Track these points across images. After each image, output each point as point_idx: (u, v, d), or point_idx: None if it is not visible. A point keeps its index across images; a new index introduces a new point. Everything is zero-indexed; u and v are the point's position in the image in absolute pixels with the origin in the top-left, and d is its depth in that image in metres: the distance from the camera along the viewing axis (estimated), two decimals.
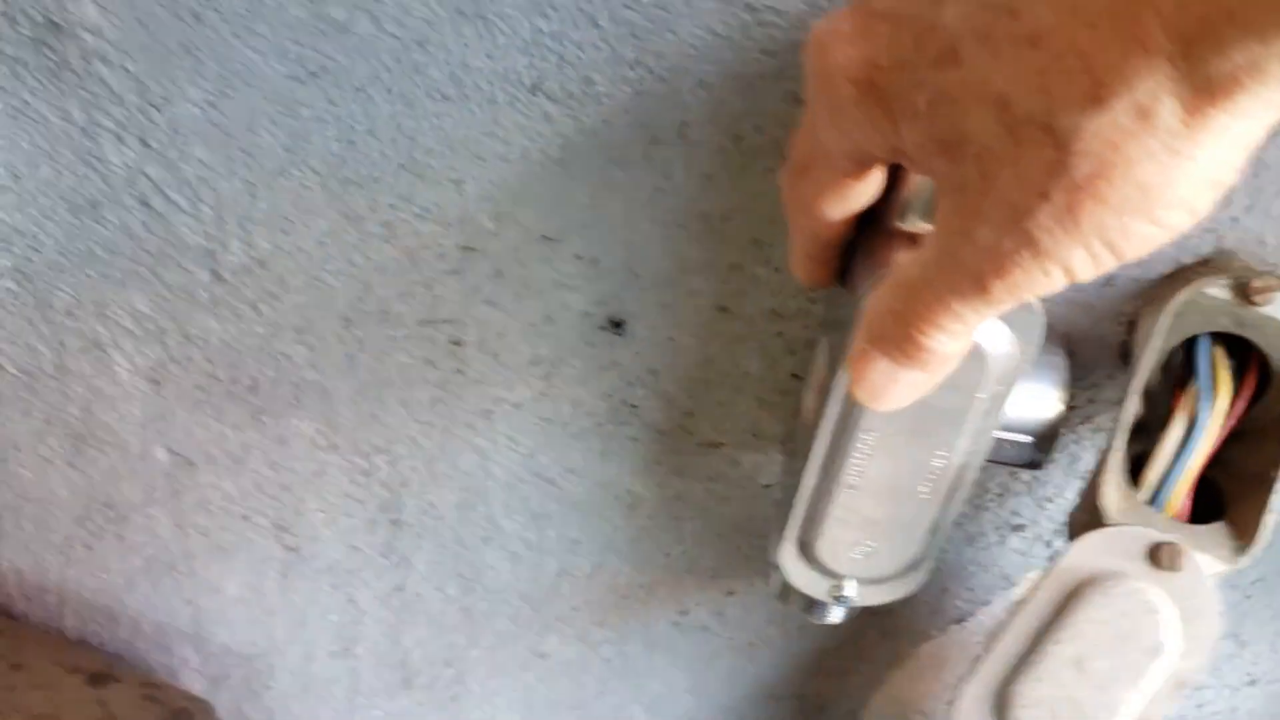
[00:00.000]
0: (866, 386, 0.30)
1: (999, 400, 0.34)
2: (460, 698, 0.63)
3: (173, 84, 0.42)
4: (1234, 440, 0.37)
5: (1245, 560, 0.35)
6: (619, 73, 0.39)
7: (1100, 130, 0.21)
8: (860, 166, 0.29)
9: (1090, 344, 0.42)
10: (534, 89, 0.40)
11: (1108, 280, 0.40)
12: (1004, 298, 0.25)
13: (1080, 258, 0.23)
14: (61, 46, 0.42)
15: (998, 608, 0.51)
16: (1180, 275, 0.37)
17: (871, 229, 0.34)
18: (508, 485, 0.52)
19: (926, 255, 0.27)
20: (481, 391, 0.49)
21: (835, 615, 0.42)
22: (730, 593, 0.54)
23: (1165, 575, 0.34)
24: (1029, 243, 0.23)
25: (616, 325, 0.45)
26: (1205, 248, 0.39)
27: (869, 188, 0.31)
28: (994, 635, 0.44)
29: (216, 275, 0.48)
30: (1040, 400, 0.38)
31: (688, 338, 0.45)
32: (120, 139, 0.44)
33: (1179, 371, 0.38)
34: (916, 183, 0.32)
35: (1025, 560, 0.49)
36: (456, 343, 0.48)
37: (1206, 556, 0.35)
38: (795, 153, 0.32)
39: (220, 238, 0.46)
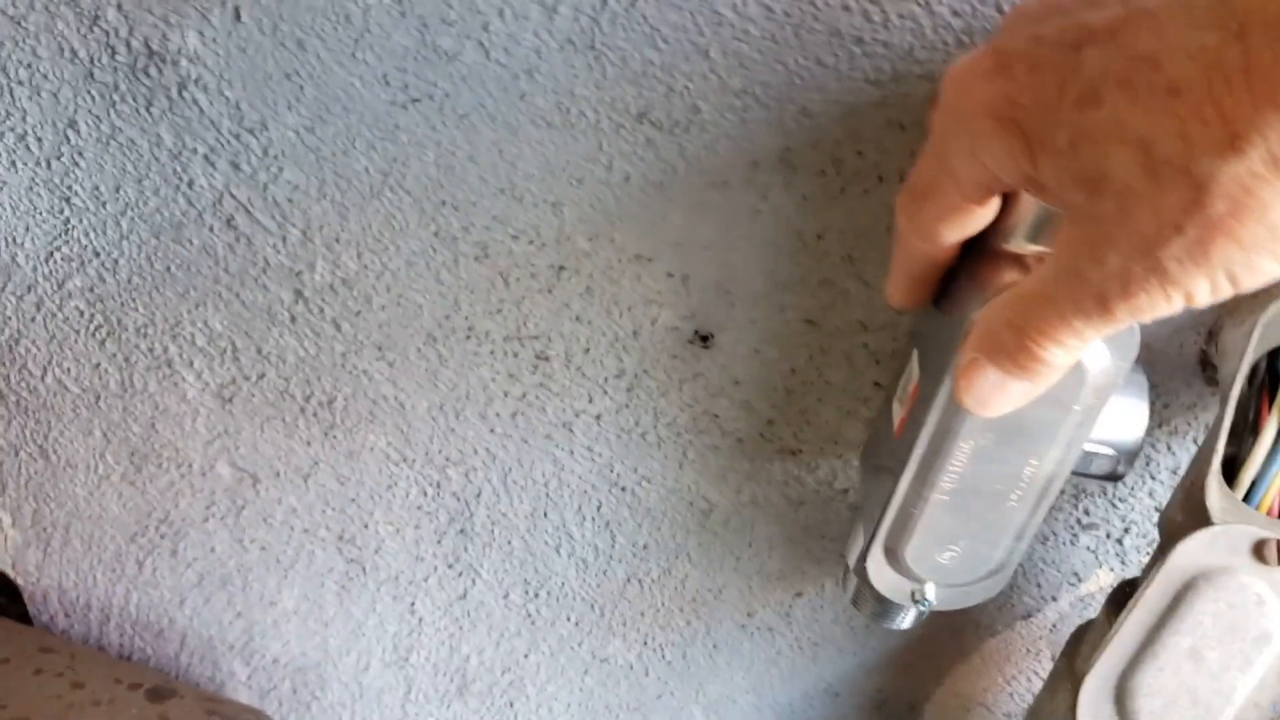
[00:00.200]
0: (974, 394, 0.34)
1: (1093, 413, 0.38)
2: (515, 703, 0.66)
3: (270, 109, 0.45)
4: None
5: None
6: (725, 101, 0.42)
7: (1236, 176, 0.25)
8: (987, 193, 0.33)
9: (1168, 353, 0.46)
10: (640, 117, 0.43)
11: None
12: (1125, 319, 0.29)
13: (1204, 286, 0.27)
14: (159, 74, 0.45)
15: (1065, 604, 0.55)
16: (1265, 290, 0.41)
17: (974, 251, 0.37)
18: (581, 493, 0.56)
19: (1047, 274, 0.31)
20: (563, 404, 0.52)
21: (908, 620, 0.46)
22: (798, 594, 0.58)
23: (1269, 569, 0.38)
24: (1159, 270, 0.27)
25: (704, 339, 0.49)
26: None
27: (989, 213, 0.34)
28: (1083, 631, 0.48)
29: (299, 294, 0.50)
30: (1125, 415, 0.42)
31: (773, 350, 0.49)
32: (211, 163, 0.47)
33: (1263, 378, 0.42)
34: (1022, 208, 0.36)
35: (1095, 558, 0.53)
36: (542, 357, 0.51)
37: None
38: (918, 178, 0.35)
39: (306, 258, 0.49)
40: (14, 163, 0.48)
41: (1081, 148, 0.28)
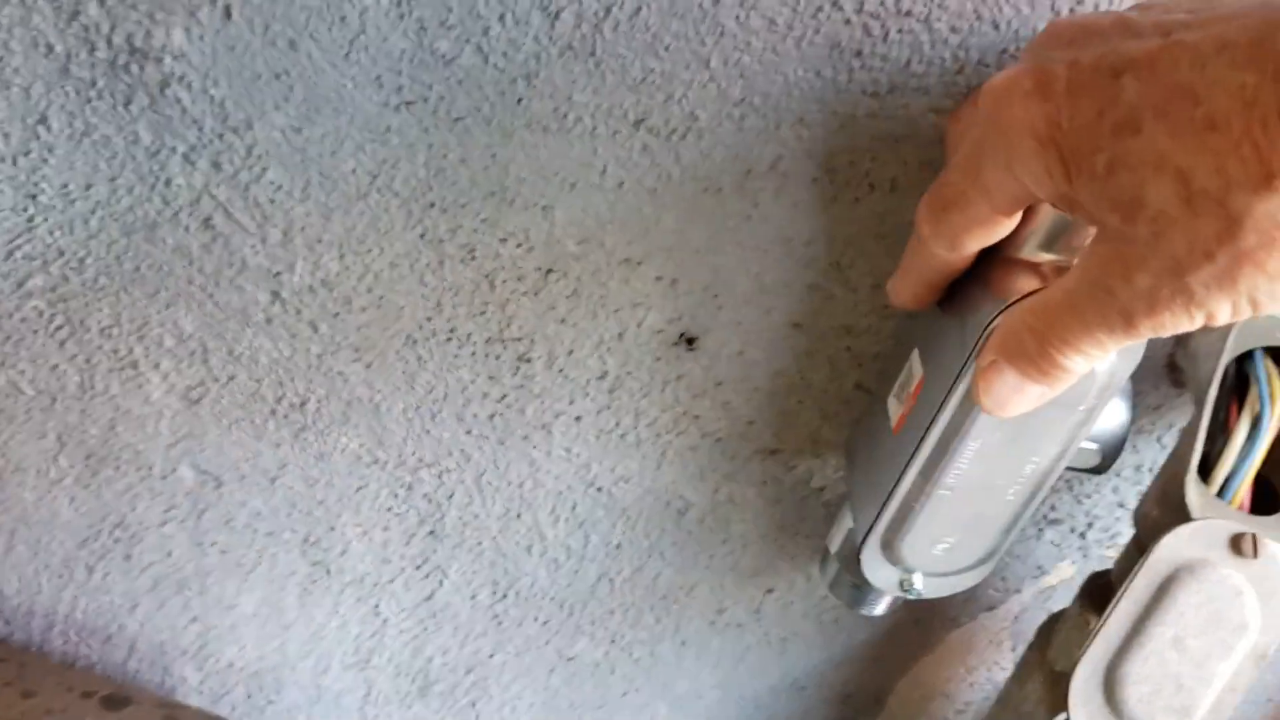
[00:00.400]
0: (993, 395, 0.36)
1: (1094, 413, 0.41)
2: (478, 703, 0.68)
3: (256, 109, 0.45)
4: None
5: None
6: (723, 110, 0.44)
7: (1269, 212, 0.28)
8: (1017, 206, 0.35)
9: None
10: (637, 124, 0.44)
11: None
12: (1148, 334, 0.32)
13: (1226, 308, 0.30)
14: (140, 71, 0.45)
15: (1028, 595, 0.58)
16: None
17: (985, 257, 0.40)
18: (556, 494, 0.57)
19: (1073, 285, 0.33)
20: (543, 406, 0.53)
21: (881, 607, 0.49)
22: (770, 590, 0.60)
23: (1245, 562, 0.42)
24: (1186, 293, 0.30)
25: (690, 341, 0.51)
26: None
27: (1013, 224, 0.37)
28: (1053, 623, 0.51)
29: (276, 295, 0.51)
30: (1110, 412, 0.45)
31: (757, 352, 0.51)
32: (190, 162, 0.47)
33: (1232, 381, 0.45)
34: (1039, 217, 0.38)
35: (1059, 551, 0.56)
36: (524, 359, 0.52)
37: (1276, 544, 0.43)
38: (945, 189, 0.37)
39: (286, 259, 0.49)
40: None
41: (1118, 173, 0.30)
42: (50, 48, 0.44)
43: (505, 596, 0.62)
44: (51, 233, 0.50)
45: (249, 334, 0.52)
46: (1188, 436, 0.44)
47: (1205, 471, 0.45)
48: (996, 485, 0.43)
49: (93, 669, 0.68)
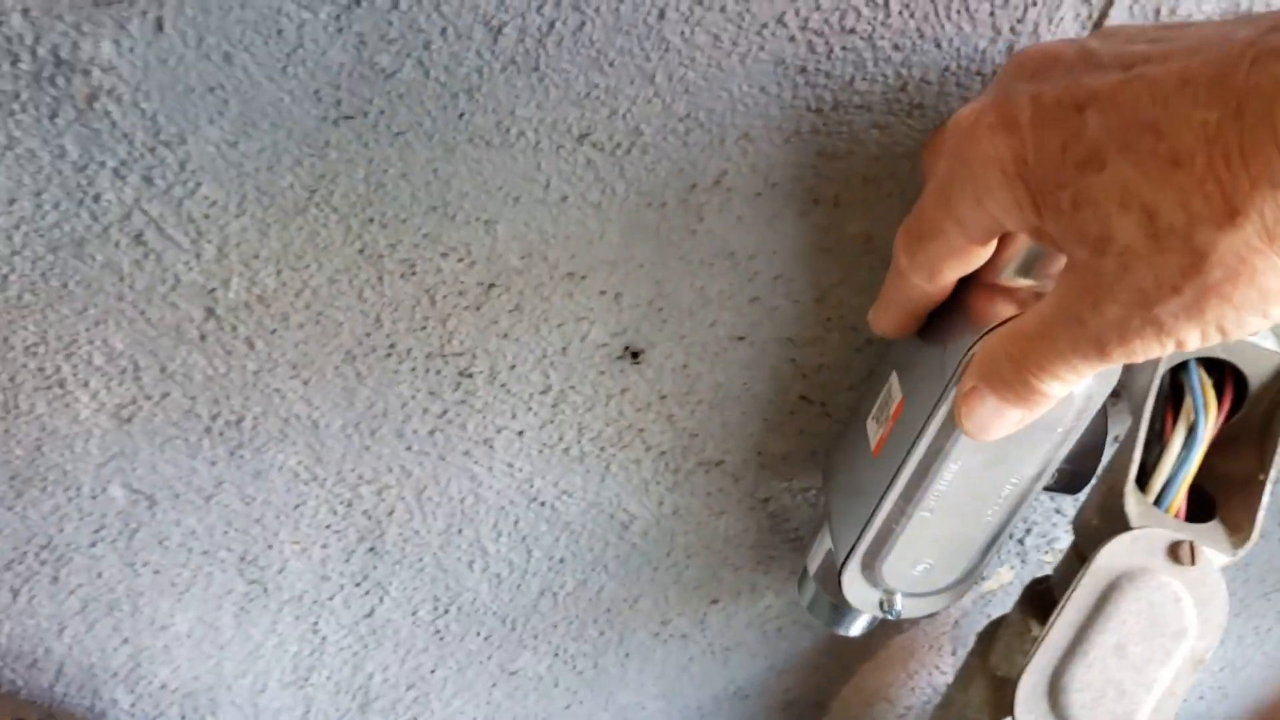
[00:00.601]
0: (974, 420, 0.37)
1: (1072, 435, 0.41)
2: (420, 718, 0.67)
3: (190, 123, 0.44)
4: (1213, 449, 0.46)
5: (1242, 553, 0.44)
6: (668, 125, 0.44)
7: (1233, 247, 0.28)
8: (990, 236, 0.36)
9: None
10: (581, 138, 0.44)
11: None
12: (1120, 360, 0.32)
13: (1195, 336, 0.31)
14: (67, 83, 0.43)
15: (967, 601, 0.59)
16: None
17: (963, 283, 0.40)
18: (499, 509, 0.56)
19: (1047, 314, 0.33)
20: (485, 421, 0.53)
21: (858, 627, 0.49)
22: (714, 601, 0.60)
23: (1183, 569, 0.43)
24: (1155, 323, 0.30)
25: (634, 355, 0.50)
26: None
27: (989, 252, 0.37)
28: (994, 628, 0.52)
29: (210, 312, 0.49)
30: (1087, 433, 0.46)
31: (701, 365, 0.51)
32: (121, 176, 0.46)
33: (1167, 391, 0.46)
34: (1014, 245, 0.39)
35: (998, 557, 0.57)
36: (465, 374, 0.51)
37: (1212, 550, 0.44)
38: (920, 220, 0.37)
39: (221, 275, 0.48)
40: None
41: (1083, 208, 0.30)
42: None
43: (447, 612, 0.61)
44: None
45: (183, 351, 0.51)
46: (1125, 446, 0.45)
47: (1142, 480, 0.46)
48: (976, 506, 0.43)
49: (18, 694, 0.66)
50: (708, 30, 0.41)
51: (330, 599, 0.61)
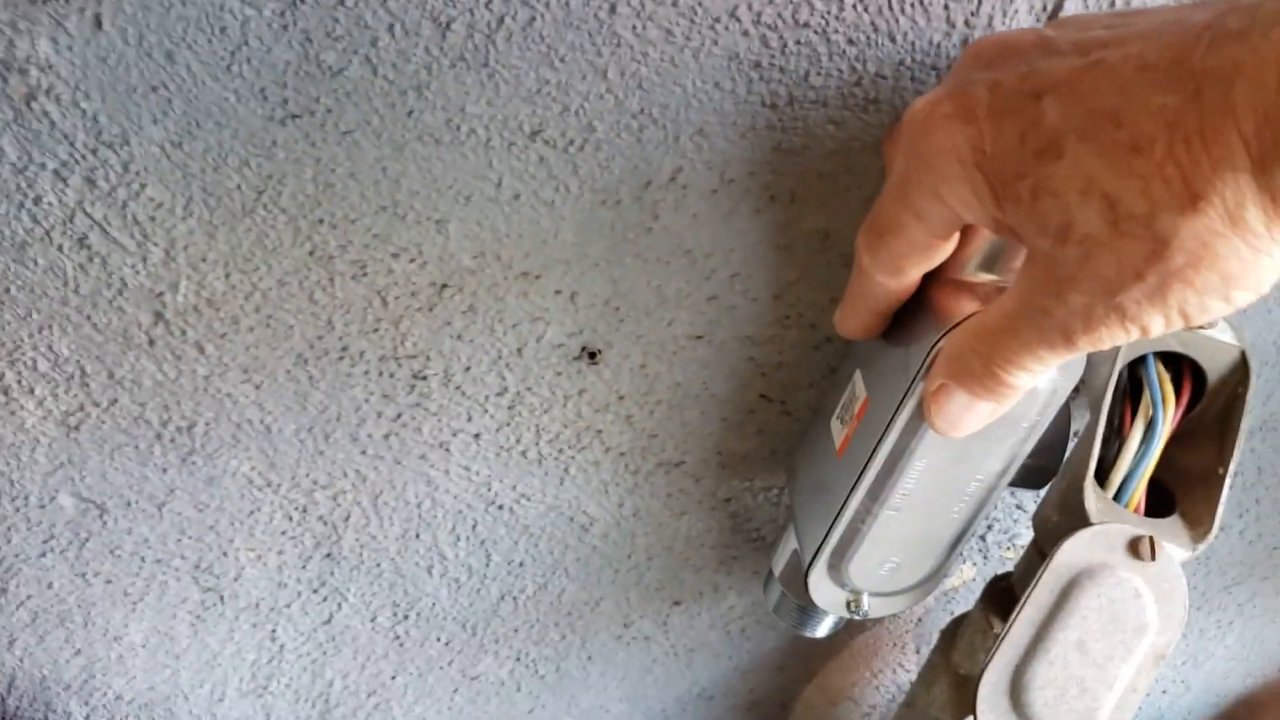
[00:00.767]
0: (945, 416, 0.36)
1: (1037, 429, 0.41)
2: None
3: (132, 123, 0.43)
4: (1172, 443, 0.45)
5: (1202, 547, 0.44)
6: (621, 121, 0.43)
7: (1195, 232, 0.28)
8: (951, 229, 0.35)
9: None
10: (533, 135, 0.43)
11: None
12: (1086, 349, 0.32)
13: (1159, 322, 0.30)
14: (3, 84, 0.42)
15: (930, 599, 0.58)
16: None
17: (929, 280, 0.39)
18: (456, 513, 0.55)
19: (1011, 306, 0.33)
20: (440, 424, 0.52)
21: (825, 628, 0.49)
22: (677, 603, 0.60)
23: (1143, 564, 0.42)
24: (1119, 310, 0.30)
25: (591, 355, 0.50)
26: None
27: (951, 247, 0.37)
28: (956, 626, 0.51)
29: (159, 316, 0.48)
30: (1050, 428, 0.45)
31: (659, 365, 0.50)
32: (62, 178, 0.44)
33: (1126, 386, 0.46)
34: (976, 239, 0.38)
35: (960, 555, 0.56)
36: (419, 376, 0.50)
37: (1172, 545, 0.43)
38: (880, 217, 0.37)
39: (169, 279, 0.47)
40: None
41: (1043, 198, 0.30)
42: None
43: (406, 618, 0.61)
44: None
45: (131, 356, 0.50)
46: (1084, 442, 0.45)
47: (1101, 476, 0.45)
48: (942, 504, 0.43)
49: None
50: (660, 25, 0.41)
51: (288, 606, 0.60)
